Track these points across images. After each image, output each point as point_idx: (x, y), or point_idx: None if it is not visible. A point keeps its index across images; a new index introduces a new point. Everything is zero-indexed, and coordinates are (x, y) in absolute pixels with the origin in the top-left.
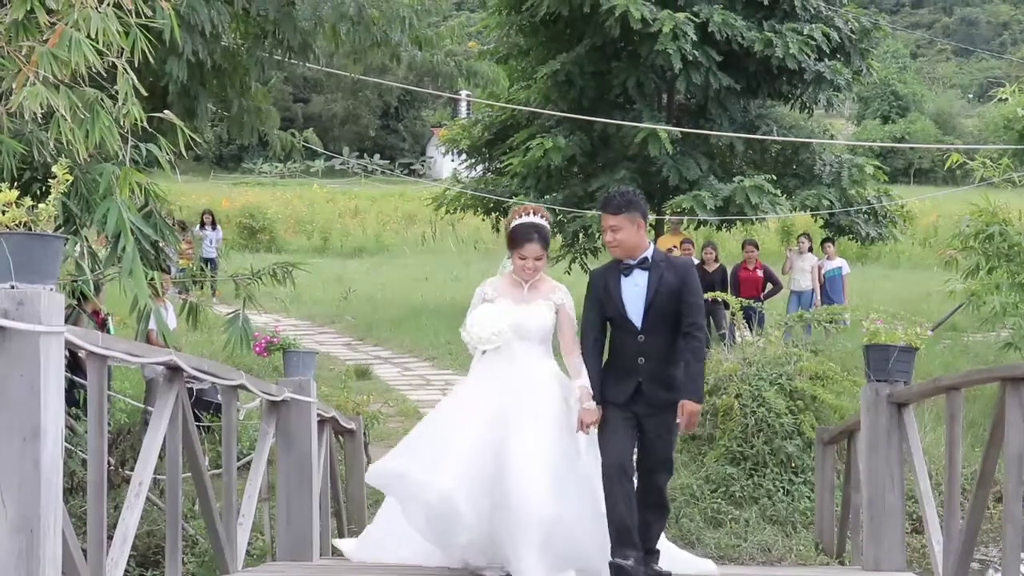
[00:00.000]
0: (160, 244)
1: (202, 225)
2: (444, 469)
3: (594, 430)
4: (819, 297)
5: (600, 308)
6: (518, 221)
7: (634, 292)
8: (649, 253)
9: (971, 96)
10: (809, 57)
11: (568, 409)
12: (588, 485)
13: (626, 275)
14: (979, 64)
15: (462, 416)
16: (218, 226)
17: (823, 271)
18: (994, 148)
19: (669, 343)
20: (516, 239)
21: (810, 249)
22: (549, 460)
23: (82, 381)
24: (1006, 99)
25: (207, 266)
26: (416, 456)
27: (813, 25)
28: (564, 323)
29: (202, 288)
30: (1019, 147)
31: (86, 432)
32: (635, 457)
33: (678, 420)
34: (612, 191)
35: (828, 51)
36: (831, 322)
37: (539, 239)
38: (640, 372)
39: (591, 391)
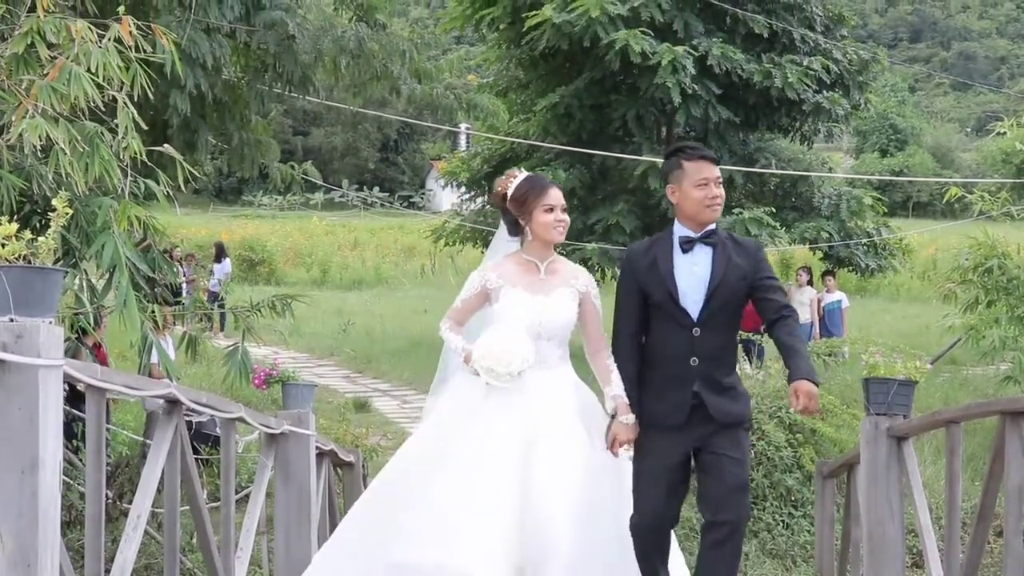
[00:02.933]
0: (157, 278)
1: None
2: (456, 544)
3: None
4: (818, 330)
5: (641, 294)
6: (520, 177)
7: (692, 273)
8: (714, 225)
9: (969, 130)
10: (808, 88)
11: (588, 436)
12: (621, 539)
13: (686, 250)
14: (977, 98)
15: (461, 467)
16: (223, 259)
17: (823, 304)
18: (992, 181)
19: (726, 342)
20: (532, 189)
21: (809, 282)
22: (575, 517)
23: (81, 414)
24: (1004, 133)
25: (211, 300)
26: (405, 530)
27: (812, 57)
28: (590, 315)
29: (201, 321)
30: (1017, 181)
31: (85, 465)
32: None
33: (795, 407)
34: (685, 141)
35: (828, 82)
36: (830, 355)
37: (558, 187)
38: (695, 378)
39: (627, 401)
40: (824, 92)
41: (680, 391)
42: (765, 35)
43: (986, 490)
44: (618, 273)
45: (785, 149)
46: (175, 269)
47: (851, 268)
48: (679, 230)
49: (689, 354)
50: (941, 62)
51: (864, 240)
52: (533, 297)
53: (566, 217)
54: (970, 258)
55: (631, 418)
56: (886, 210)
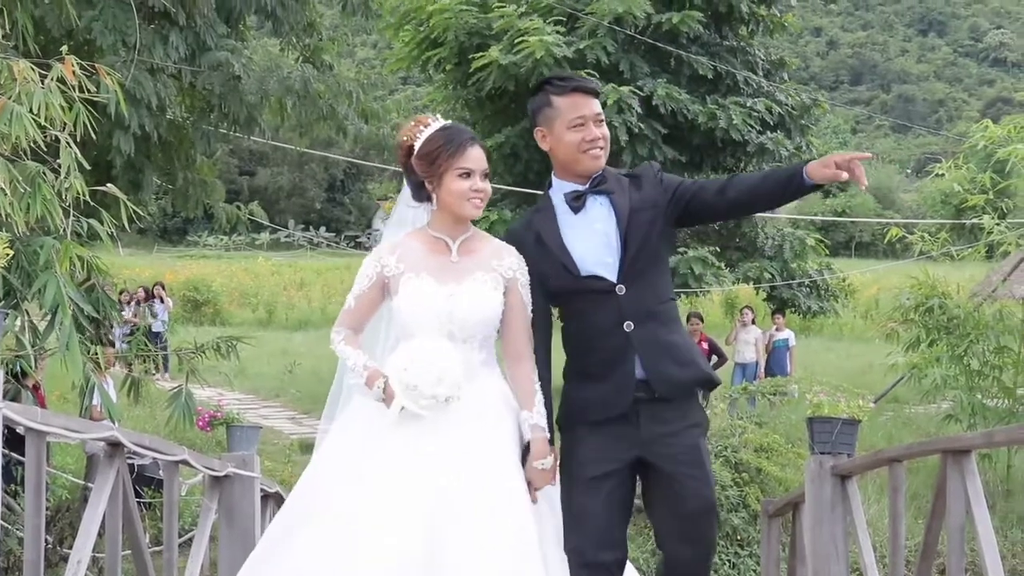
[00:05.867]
0: (101, 318)
1: (150, 298)
2: None
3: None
4: (763, 369)
5: (542, 279)
6: (433, 126)
7: (593, 232)
8: (600, 171)
9: (909, 171)
10: (752, 129)
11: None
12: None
13: (577, 209)
14: (916, 140)
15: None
16: (154, 300)
17: (773, 340)
18: (932, 222)
19: (659, 292)
20: (447, 145)
21: (753, 321)
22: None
23: (20, 457)
24: (943, 175)
25: (154, 342)
26: None
27: (756, 99)
28: (516, 309)
29: (144, 363)
30: (956, 221)
31: (24, 509)
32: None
33: (839, 174)
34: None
35: (771, 124)
36: (775, 394)
37: (480, 145)
38: (632, 347)
39: (548, 433)
40: (768, 133)
41: (619, 368)
42: (709, 76)
43: (929, 528)
44: None
45: None
46: (147, 310)
47: (793, 309)
48: (560, 187)
49: (619, 320)
50: (881, 104)
51: (807, 282)
52: (441, 287)
53: (486, 186)
54: (911, 298)
55: (548, 462)
56: (827, 251)
